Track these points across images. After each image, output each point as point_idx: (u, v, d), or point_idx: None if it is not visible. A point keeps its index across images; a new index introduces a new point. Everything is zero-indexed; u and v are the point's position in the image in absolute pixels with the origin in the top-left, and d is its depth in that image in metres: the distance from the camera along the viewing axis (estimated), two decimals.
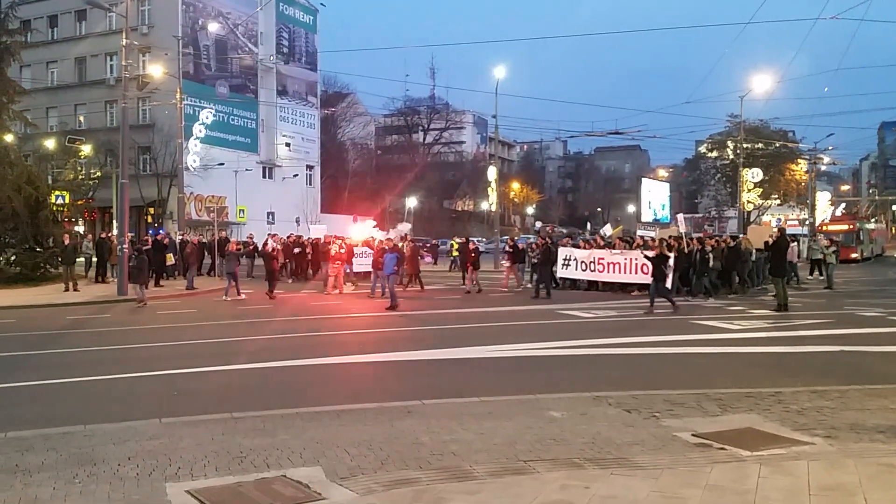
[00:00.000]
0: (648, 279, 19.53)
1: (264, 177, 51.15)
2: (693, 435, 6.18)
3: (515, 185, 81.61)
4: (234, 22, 47.54)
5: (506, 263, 23.72)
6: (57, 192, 30.96)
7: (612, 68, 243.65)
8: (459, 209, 76.38)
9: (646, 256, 18.26)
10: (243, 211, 40.23)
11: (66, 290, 21.35)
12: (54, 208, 29.58)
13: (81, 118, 47.86)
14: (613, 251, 21.61)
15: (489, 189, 39.19)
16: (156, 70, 33.18)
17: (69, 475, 5.18)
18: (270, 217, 39.91)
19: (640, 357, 11.00)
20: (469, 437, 6.21)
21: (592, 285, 21.69)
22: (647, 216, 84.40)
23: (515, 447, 5.89)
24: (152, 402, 7.85)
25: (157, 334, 13.63)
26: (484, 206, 65.38)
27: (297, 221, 41.60)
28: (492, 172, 38.03)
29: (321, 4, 57.09)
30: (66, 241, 22.74)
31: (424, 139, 75.13)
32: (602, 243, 23.54)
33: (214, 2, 46.83)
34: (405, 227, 27.65)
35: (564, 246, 23.35)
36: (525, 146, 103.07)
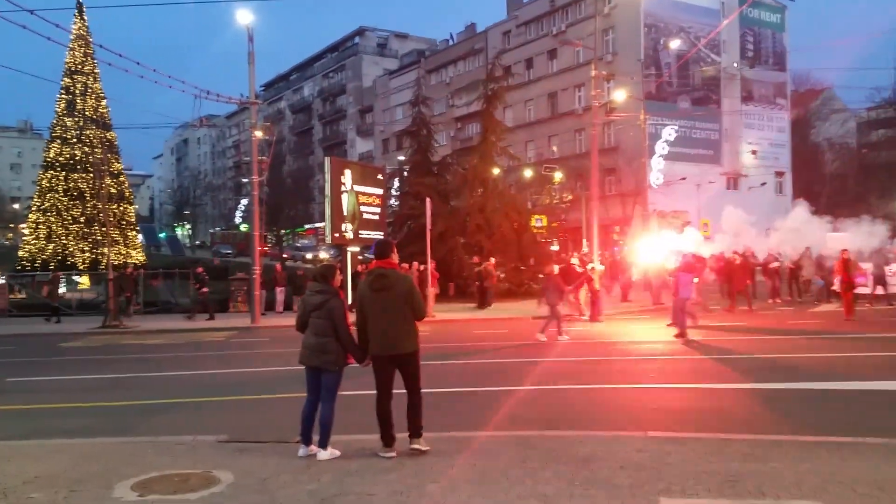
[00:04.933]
0: None
1: (728, 188, 49.33)
2: None
3: None
4: (695, 35, 47.12)
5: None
6: (536, 217, 34.52)
7: None
8: None
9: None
10: (706, 225, 39.37)
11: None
12: (534, 231, 33.14)
13: (554, 148, 52.58)
14: None
15: None
16: (620, 95, 34.75)
17: (569, 477, 5.61)
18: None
19: None
20: None
21: None
22: None
23: None
24: (630, 415, 8.12)
25: (620, 349, 14.12)
26: None
27: (767, 233, 39.02)
28: None
29: (790, 0, 53.12)
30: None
31: None
32: None
33: (676, 19, 47.12)
34: None
35: None
36: None
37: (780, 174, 52.01)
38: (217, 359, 14.84)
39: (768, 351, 13.07)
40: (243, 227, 72.34)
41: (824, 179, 57.25)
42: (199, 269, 24.86)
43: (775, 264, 24.33)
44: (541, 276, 17.67)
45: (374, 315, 6.30)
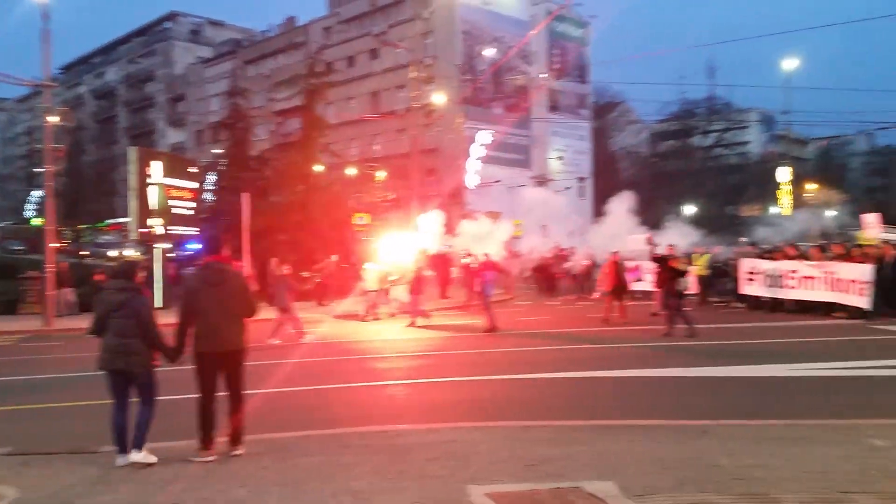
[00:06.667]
0: (858, 297, 15.56)
1: None
2: None
3: (811, 186, 73.85)
4: (508, 44, 49.32)
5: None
6: (359, 215, 34.46)
7: None
8: (745, 214, 71.07)
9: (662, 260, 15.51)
10: (519, 225, 41.37)
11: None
12: (356, 228, 33.11)
13: (377, 146, 52.85)
14: (808, 263, 17.86)
15: (779, 191, 36.07)
16: (439, 98, 35.63)
17: (383, 471, 5.67)
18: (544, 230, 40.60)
19: None
20: (775, 462, 5.71)
21: (778, 305, 18.26)
22: None
23: (831, 477, 5.29)
24: (439, 408, 8.38)
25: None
26: (773, 209, 60.13)
27: (571, 234, 41.72)
28: (782, 173, 34.99)
29: (591, 17, 57.11)
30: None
31: (703, 142, 71.35)
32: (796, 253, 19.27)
33: (490, 27, 49.06)
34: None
35: (749, 257, 20.23)
36: (825, 141, 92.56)
37: (582, 179, 55.88)
38: (3, 365, 13.39)
39: (558, 343, 14.01)
40: (36, 222, 65.86)
41: (621, 185, 62.10)
42: None
43: (568, 264, 26.13)
44: (275, 275, 16.29)
45: (207, 310, 6.08)
